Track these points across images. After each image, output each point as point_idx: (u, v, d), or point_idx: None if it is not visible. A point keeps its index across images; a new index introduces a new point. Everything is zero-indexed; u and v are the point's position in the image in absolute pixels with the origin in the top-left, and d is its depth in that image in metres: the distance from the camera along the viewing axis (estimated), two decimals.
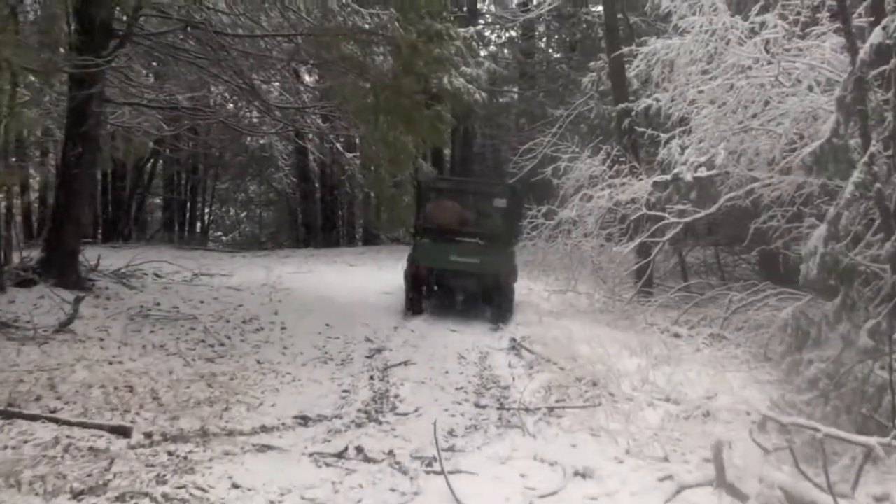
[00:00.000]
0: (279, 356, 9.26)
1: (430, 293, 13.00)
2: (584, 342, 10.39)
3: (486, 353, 10.25)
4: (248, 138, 30.94)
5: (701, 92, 10.57)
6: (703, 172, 11.24)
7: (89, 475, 4.83)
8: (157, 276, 14.32)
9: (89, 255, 12.93)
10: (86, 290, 10.67)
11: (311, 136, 13.86)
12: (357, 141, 13.36)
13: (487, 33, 27.19)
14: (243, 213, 35.43)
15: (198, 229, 28.38)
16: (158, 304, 10.94)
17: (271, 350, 9.49)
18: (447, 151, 28.92)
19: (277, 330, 10.47)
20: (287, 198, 30.74)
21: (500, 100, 29.45)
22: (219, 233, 34.46)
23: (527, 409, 7.37)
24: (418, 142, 11.02)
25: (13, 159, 18.51)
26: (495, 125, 29.24)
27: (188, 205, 27.26)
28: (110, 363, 7.96)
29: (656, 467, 5.74)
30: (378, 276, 16.27)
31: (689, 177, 11.31)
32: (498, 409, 7.67)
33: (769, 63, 9.51)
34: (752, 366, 9.20)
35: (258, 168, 29.48)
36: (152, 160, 23.36)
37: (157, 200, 29.05)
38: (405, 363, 9.33)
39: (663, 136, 12.12)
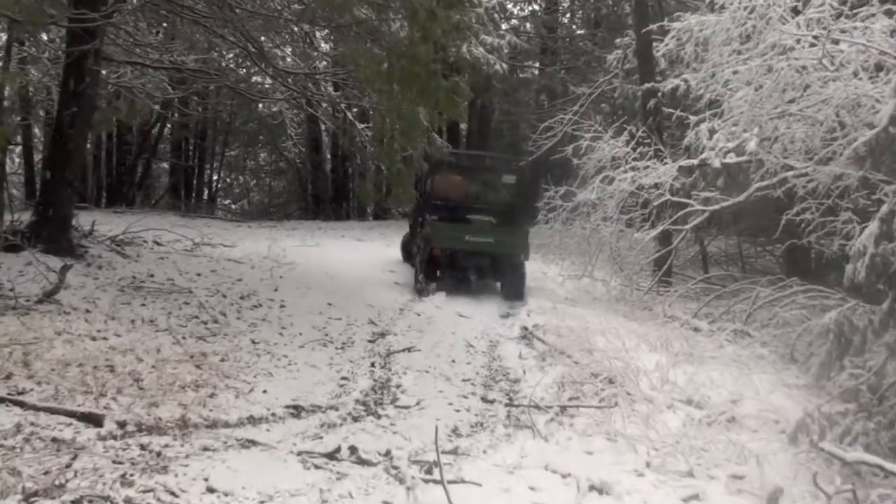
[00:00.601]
0: (276, 336, 8.76)
1: (442, 274, 12.81)
2: (600, 333, 9.87)
3: (496, 341, 9.74)
4: (260, 105, 30.71)
5: (736, 73, 9.95)
6: (732, 159, 10.67)
7: (47, 472, 4.32)
8: (158, 244, 13.88)
9: (88, 219, 12.51)
10: (77, 258, 10.18)
11: (323, 104, 13.24)
12: (370, 112, 12.72)
13: (510, 6, 26.45)
14: (252, 182, 34.92)
15: (205, 197, 27.86)
16: (152, 275, 10.45)
17: (268, 329, 8.99)
18: (463, 126, 28.27)
19: (276, 308, 9.96)
20: (297, 168, 30.22)
21: (521, 75, 28.75)
22: (227, 201, 33.99)
23: (538, 407, 6.84)
24: (433, 114, 10.40)
25: (17, 117, 18.11)
26: (514, 101, 28.56)
27: (195, 171, 26.69)
28: (93, 339, 7.46)
29: (680, 483, 5.21)
30: (386, 252, 15.79)
31: (717, 163, 10.75)
32: (507, 405, 7.18)
33: (812, 45, 8.87)
34: (778, 367, 8.63)
35: (269, 136, 28.94)
36: (159, 124, 22.82)
37: (165, 166, 28.57)
38: (409, 349, 8.83)
39: (692, 119, 11.51)
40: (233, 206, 33.74)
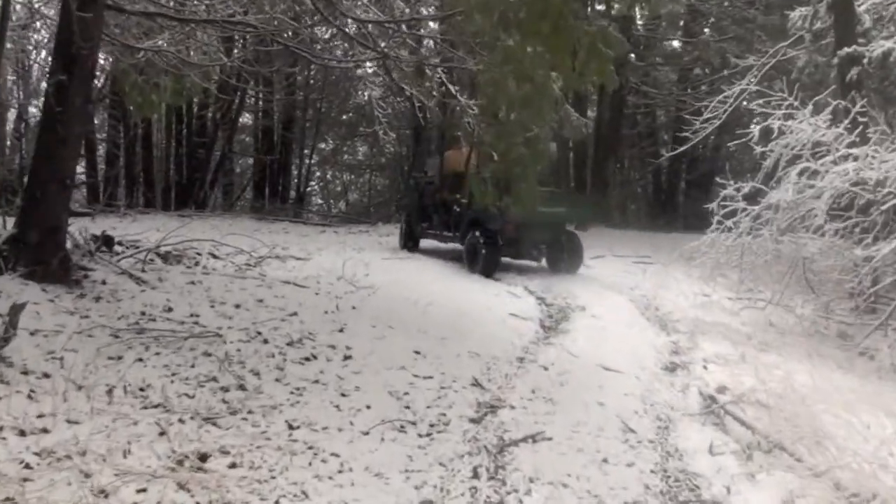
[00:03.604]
0: (329, 413, 6.00)
1: (507, 248, 12.99)
2: (821, 401, 6.81)
3: (667, 419, 6.69)
4: (359, 93, 28.34)
5: None
6: None
7: None
8: (215, 256, 11.58)
9: (147, 225, 10.33)
10: (70, 284, 7.74)
11: (417, 83, 10.42)
12: (478, 78, 9.83)
13: None
14: (349, 179, 32.65)
15: (292, 197, 25.56)
16: (170, 308, 7.88)
17: (319, 400, 6.24)
18: (591, 114, 25.07)
19: (338, 360, 7.21)
20: (400, 162, 27.75)
21: (656, 49, 25.38)
22: (320, 201, 31.78)
23: None
24: (569, 75, 7.38)
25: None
26: (651, 80, 25.26)
27: (277, 167, 24.34)
28: (22, 433, 4.86)
29: None
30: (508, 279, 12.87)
31: None
32: None
33: None
34: None
35: (370, 126, 26.52)
36: (234, 110, 20.60)
37: (250, 161, 26.48)
38: (534, 438, 5.91)
39: None
40: (328, 207, 31.53)
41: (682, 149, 15.30)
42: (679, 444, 6.13)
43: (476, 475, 5.21)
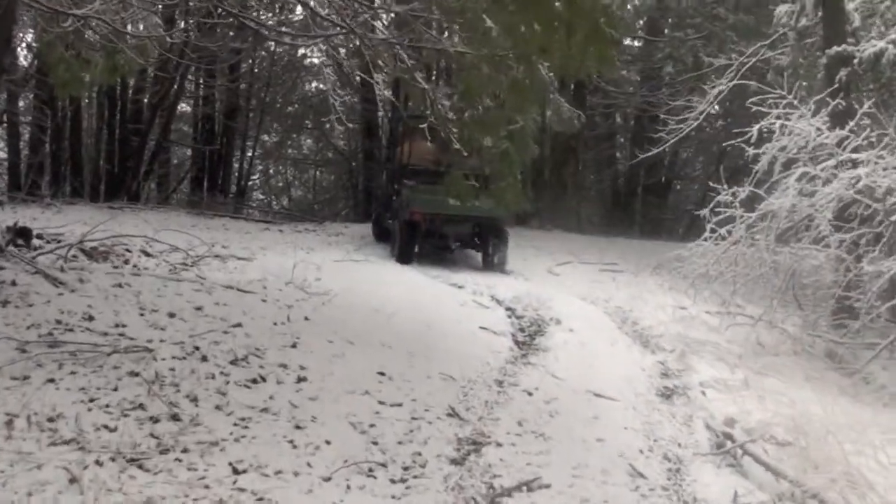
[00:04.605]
0: (280, 452, 5.04)
1: (422, 242, 13.10)
2: (843, 436, 6.10)
3: (677, 459, 5.86)
4: (306, 84, 27.15)
5: None
6: None
7: None
8: (147, 254, 10.53)
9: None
10: None
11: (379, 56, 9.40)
12: (454, 62, 8.85)
13: None
14: (293, 174, 31.41)
15: (232, 191, 24.26)
16: (91, 316, 6.81)
17: (268, 433, 5.26)
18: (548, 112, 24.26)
19: (290, 383, 6.22)
20: (347, 158, 26.60)
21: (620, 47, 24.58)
22: (261, 196, 30.50)
23: None
24: (566, 60, 6.46)
25: None
26: (613, 80, 24.49)
27: (218, 159, 22.97)
28: None
29: None
30: (464, 274, 12.06)
31: None
32: None
33: None
34: None
35: (316, 119, 25.36)
36: (171, 95, 19.33)
37: (189, 152, 25.11)
38: (529, 485, 5.01)
39: None
40: (270, 203, 30.31)
41: (656, 150, 14.51)
42: (697, 492, 5.30)
43: None
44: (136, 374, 5.77)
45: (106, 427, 4.95)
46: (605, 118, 26.97)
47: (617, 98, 23.92)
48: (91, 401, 5.25)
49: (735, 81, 14.16)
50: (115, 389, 5.47)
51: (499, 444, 5.63)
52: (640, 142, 24.44)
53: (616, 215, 26.36)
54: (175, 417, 5.23)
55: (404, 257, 12.70)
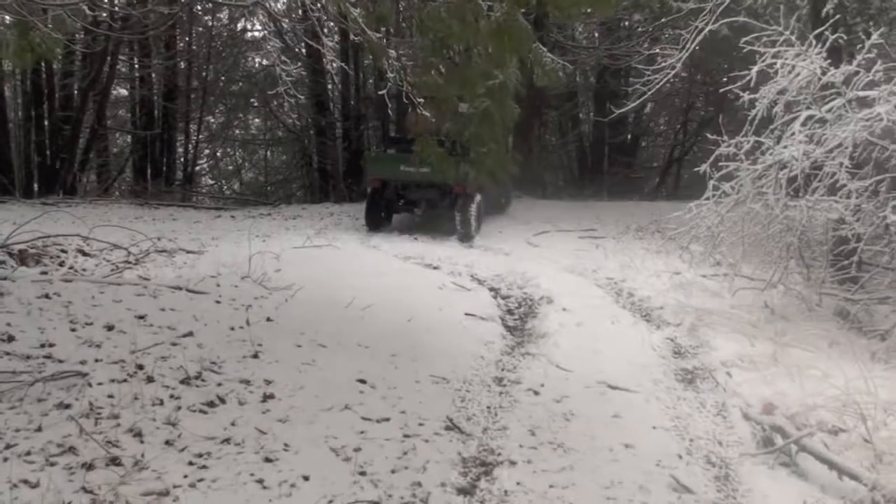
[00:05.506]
0: (248, 497, 4.13)
1: (387, 208, 13.62)
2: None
3: (722, 461, 5.01)
4: (250, 59, 25.92)
5: None
6: None
7: None
8: (84, 254, 9.57)
9: None
10: None
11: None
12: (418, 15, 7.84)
13: None
14: (242, 156, 30.20)
15: (178, 178, 23.05)
16: (11, 336, 5.80)
17: (231, 472, 4.34)
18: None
19: (255, 402, 5.27)
20: (299, 135, 25.49)
21: None
22: (210, 181, 29.28)
23: None
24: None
25: None
26: (570, 35, 23.67)
27: (160, 145, 21.70)
28: None
29: None
30: (443, 249, 11.18)
31: None
32: None
33: None
34: None
35: (262, 97, 24.24)
36: (103, 78, 18.05)
37: (129, 139, 23.79)
38: None
39: None
40: (220, 189, 29.14)
41: (636, 103, 13.56)
42: (753, 500, 4.45)
43: None
44: (66, 407, 4.81)
45: (26, 482, 4.00)
46: (567, 76, 26.09)
47: (578, 54, 23.04)
48: (7, 447, 4.29)
49: (723, 21, 13.29)
50: (39, 430, 4.50)
51: (512, 463, 4.74)
52: (602, 99, 23.73)
53: (585, 178, 25.71)
54: (114, 461, 4.29)
55: (369, 223, 13.31)
